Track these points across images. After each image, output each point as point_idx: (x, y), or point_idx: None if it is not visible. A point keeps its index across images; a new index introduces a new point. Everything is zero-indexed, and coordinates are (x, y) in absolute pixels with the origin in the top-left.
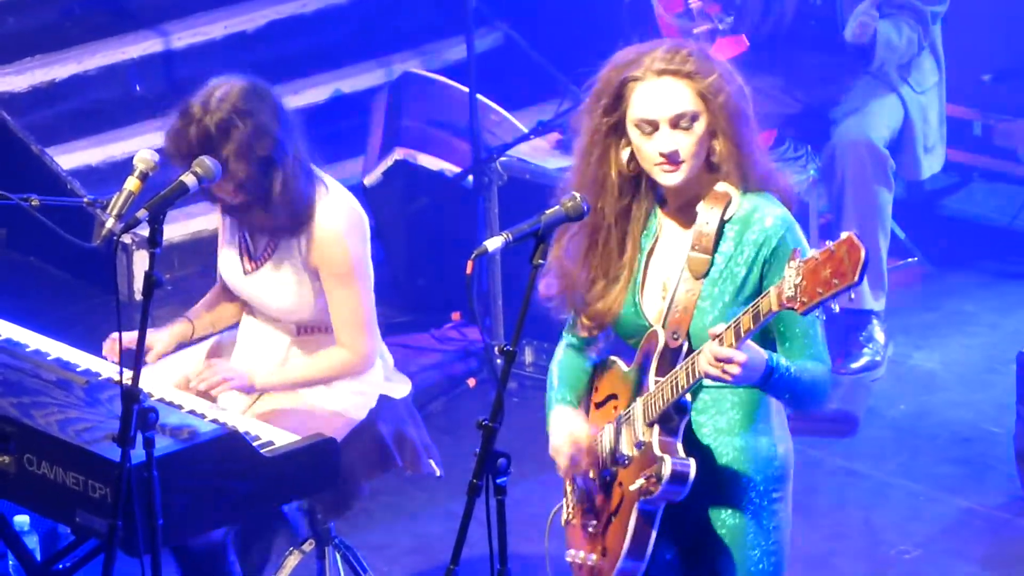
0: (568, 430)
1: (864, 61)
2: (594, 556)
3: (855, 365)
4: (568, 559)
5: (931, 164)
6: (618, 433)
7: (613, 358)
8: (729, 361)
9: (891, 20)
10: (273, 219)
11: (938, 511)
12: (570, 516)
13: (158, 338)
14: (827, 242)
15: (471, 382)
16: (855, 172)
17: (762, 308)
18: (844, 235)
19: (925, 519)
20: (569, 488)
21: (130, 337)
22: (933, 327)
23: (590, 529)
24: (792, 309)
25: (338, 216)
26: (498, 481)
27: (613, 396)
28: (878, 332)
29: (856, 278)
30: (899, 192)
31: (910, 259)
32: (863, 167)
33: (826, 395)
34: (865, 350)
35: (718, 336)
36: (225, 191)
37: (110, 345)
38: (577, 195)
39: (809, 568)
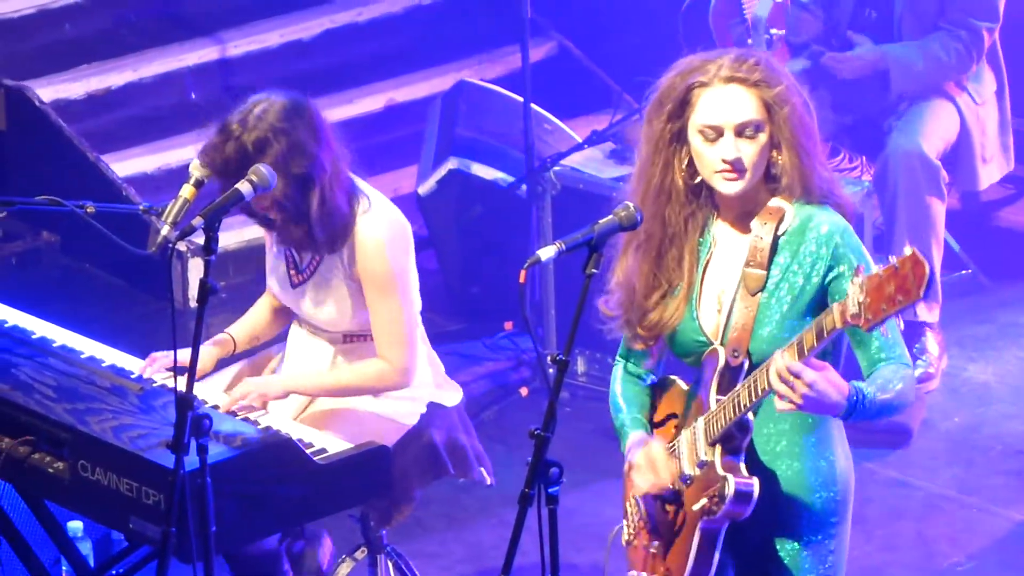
0: (646, 451)
1: (886, 88)
2: None
3: None
4: None
5: (990, 174)
6: (679, 453)
7: (672, 377)
8: (798, 376)
9: (936, 37)
10: (312, 235)
11: (991, 524)
12: (631, 536)
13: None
14: (891, 258)
15: (523, 391)
16: (907, 183)
17: (826, 325)
18: (908, 251)
19: (978, 532)
20: (630, 508)
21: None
22: (987, 339)
23: (652, 550)
24: (857, 327)
25: (379, 228)
26: (550, 490)
27: (673, 415)
28: (932, 344)
29: (920, 294)
30: (953, 203)
31: (964, 271)
32: (915, 178)
33: (912, 397)
34: (919, 362)
35: (781, 352)
36: (264, 206)
37: (150, 363)
38: (631, 205)
39: None
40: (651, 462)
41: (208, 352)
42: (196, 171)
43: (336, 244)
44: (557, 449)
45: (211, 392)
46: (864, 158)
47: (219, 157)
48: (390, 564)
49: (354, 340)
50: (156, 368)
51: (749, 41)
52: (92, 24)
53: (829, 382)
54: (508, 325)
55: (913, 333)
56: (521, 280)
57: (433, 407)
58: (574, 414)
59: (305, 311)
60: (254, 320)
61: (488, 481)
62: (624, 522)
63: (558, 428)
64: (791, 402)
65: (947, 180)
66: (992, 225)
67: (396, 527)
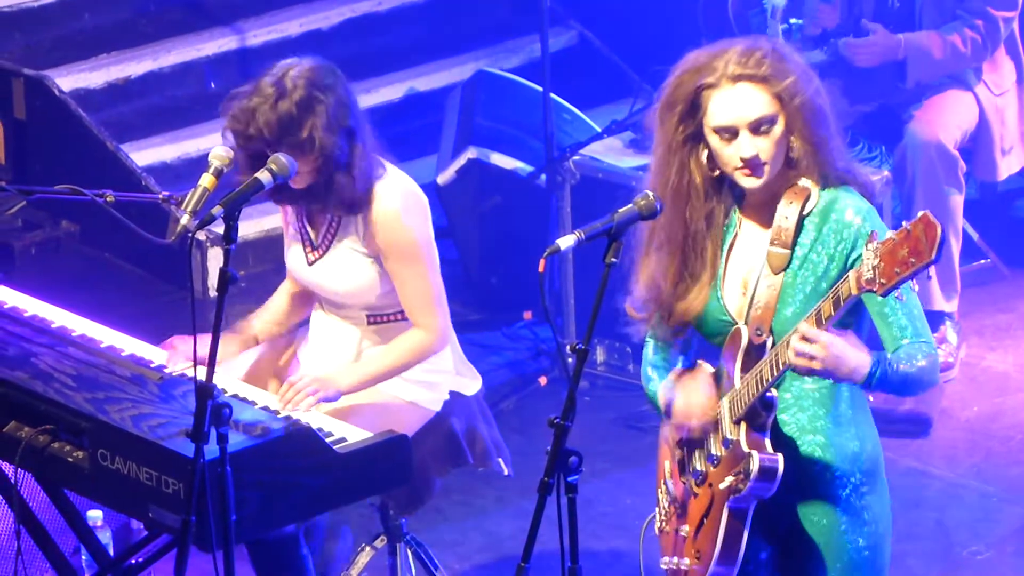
0: (682, 390)
1: (902, 77)
2: (687, 560)
3: None
4: (663, 566)
5: (1009, 165)
6: (707, 433)
7: (700, 362)
8: (814, 341)
9: (954, 26)
10: (344, 193)
11: (1011, 513)
12: (663, 524)
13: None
14: (904, 223)
15: (542, 380)
16: (925, 173)
17: (842, 293)
18: (920, 214)
19: (997, 521)
20: (661, 495)
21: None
22: (1006, 329)
23: (682, 533)
24: (872, 291)
25: (394, 197)
26: (569, 479)
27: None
28: (951, 334)
29: (933, 255)
30: (972, 193)
31: (983, 260)
32: (933, 168)
33: (936, 377)
34: (938, 351)
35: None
36: (303, 170)
37: (171, 352)
38: (651, 194)
39: None
40: (688, 397)
41: (231, 342)
42: (216, 160)
43: (359, 205)
44: (576, 438)
45: (232, 380)
46: (883, 148)
47: (255, 122)
48: (409, 552)
49: (379, 321)
50: (177, 359)
51: (769, 31)
52: (112, 14)
53: (848, 345)
54: (527, 314)
55: (932, 323)
56: (540, 269)
57: (454, 396)
58: (593, 403)
59: (324, 288)
60: (274, 310)
61: (506, 472)
62: (656, 510)
63: (577, 417)
64: (810, 367)
65: (965, 170)
66: (1011, 215)
67: (415, 516)
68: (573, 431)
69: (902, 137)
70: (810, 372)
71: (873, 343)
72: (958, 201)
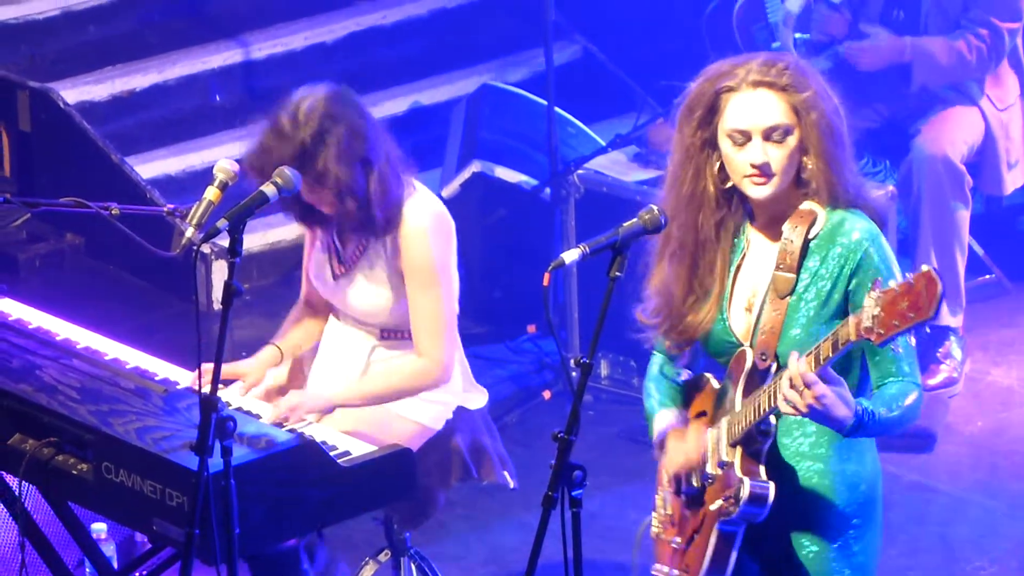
0: (672, 428)
1: (907, 81)
2: (677, 572)
3: (932, 381)
4: (654, 572)
5: (1015, 180)
6: (705, 451)
7: (707, 375)
8: (808, 386)
9: (960, 34)
10: (366, 220)
11: (1015, 528)
12: (660, 530)
13: (250, 370)
14: (907, 274)
15: (546, 394)
16: (931, 187)
17: (840, 337)
18: (924, 268)
19: (1002, 536)
20: (659, 501)
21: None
22: (1011, 344)
23: (674, 545)
24: (869, 340)
25: (423, 217)
26: (573, 493)
27: (703, 413)
28: (955, 348)
29: (931, 313)
30: (977, 208)
31: (988, 275)
32: (939, 183)
33: (917, 415)
34: (942, 366)
35: (799, 359)
36: (326, 201)
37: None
38: (655, 207)
39: None
40: (680, 441)
41: (258, 360)
42: (220, 173)
43: (391, 225)
44: (580, 452)
45: (237, 394)
46: (888, 162)
47: (272, 159)
48: (413, 566)
49: (391, 337)
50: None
51: (774, 45)
52: (116, 26)
53: (839, 398)
54: (531, 328)
55: (937, 337)
56: (545, 283)
57: (458, 410)
58: (597, 417)
59: (344, 303)
60: (294, 327)
61: (511, 485)
62: (653, 514)
63: (581, 431)
64: (795, 409)
65: (971, 185)
66: (1016, 230)
67: (419, 530)
68: (577, 445)
69: (907, 152)
70: (794, 415)
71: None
72: (964, 216)
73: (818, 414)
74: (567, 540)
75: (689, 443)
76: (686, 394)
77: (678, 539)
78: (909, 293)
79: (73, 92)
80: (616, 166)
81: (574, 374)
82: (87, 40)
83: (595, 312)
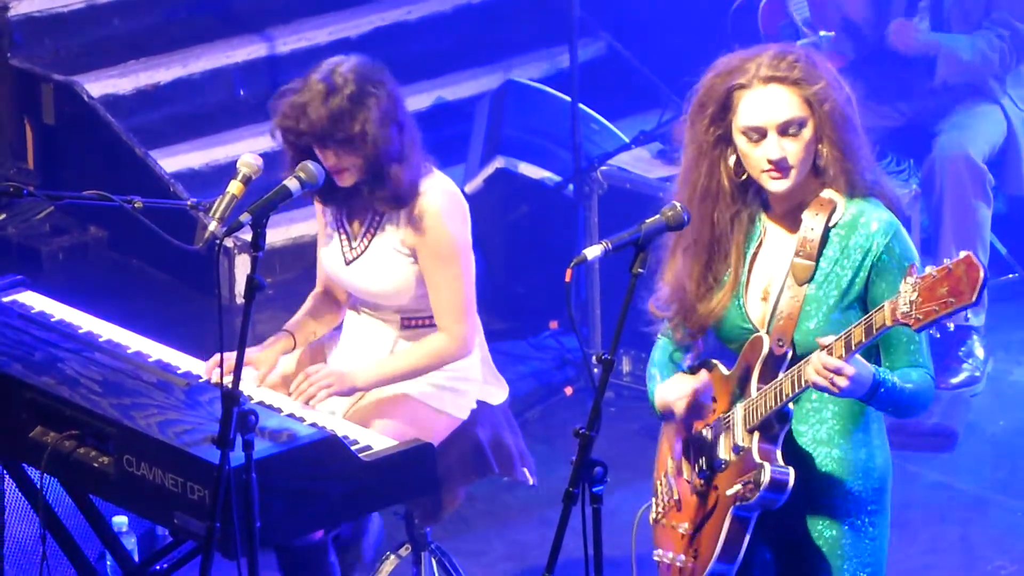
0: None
1: (931, 75)
2: (684, 557)
3: (955, 380)
4: (656, 558)
5: None
6: (716, 436)
7: (714, 361)
8: (839, 372)
9: (982, 34)
10: (392, 186)
11: None
12: (659, 515)
13: (262, 359)
14: (945, 260)
15: (568, 391)
16: (953, 186)
17: (875, 322)
18: (963, 254)
19: (1022, 535)
20: (660, 486)
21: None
22: None
23: (681, 531)
24: (907, 325)
25: (439, 195)
26: (594, 490)
27: (712, 399)
28: (978, 348)
29: (974, 298)
30: (1000, 207)
31: (1011, 275)
32: (961, 181)
33: (928, 403)
34: (965, 365)
35: (827, 347)
36: (351, 166)
37: (212, 367)
38: (678, 204)
39: None
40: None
41: (272, 351)
42: (244, 167)
43: (407, 199)
44: (601, 448)
45: (258, 387)
46: (911, 161)
47: (306, 118)
48: (434, 561)
49: (414, 325)
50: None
51: (798, 43)
52: (141, 19)
53: (860, 371)
54: (553, 324)
55: (959, 336)
56: (567, 279)
57: (480, 405)
58: (619, 414)
59: (360, 287)
60: (309, 315)
61: (531, 482)
62: (653, 500)
63: (603, 428)
64: (831, 386)
65: (993, 184)
66: None
67: (440, 525)
68: (598, 441)
69: (930, 151)
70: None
71: None
72: (986, 215)
73: (847, 392)
74: (587, 536)
75: (688, 383)
76: None
77: (686, 525)
78: (948, 278)
79: (97, 85)
80: (640, 163)
81: (596, 370)
82: (112, 33)
83: (617, 308)
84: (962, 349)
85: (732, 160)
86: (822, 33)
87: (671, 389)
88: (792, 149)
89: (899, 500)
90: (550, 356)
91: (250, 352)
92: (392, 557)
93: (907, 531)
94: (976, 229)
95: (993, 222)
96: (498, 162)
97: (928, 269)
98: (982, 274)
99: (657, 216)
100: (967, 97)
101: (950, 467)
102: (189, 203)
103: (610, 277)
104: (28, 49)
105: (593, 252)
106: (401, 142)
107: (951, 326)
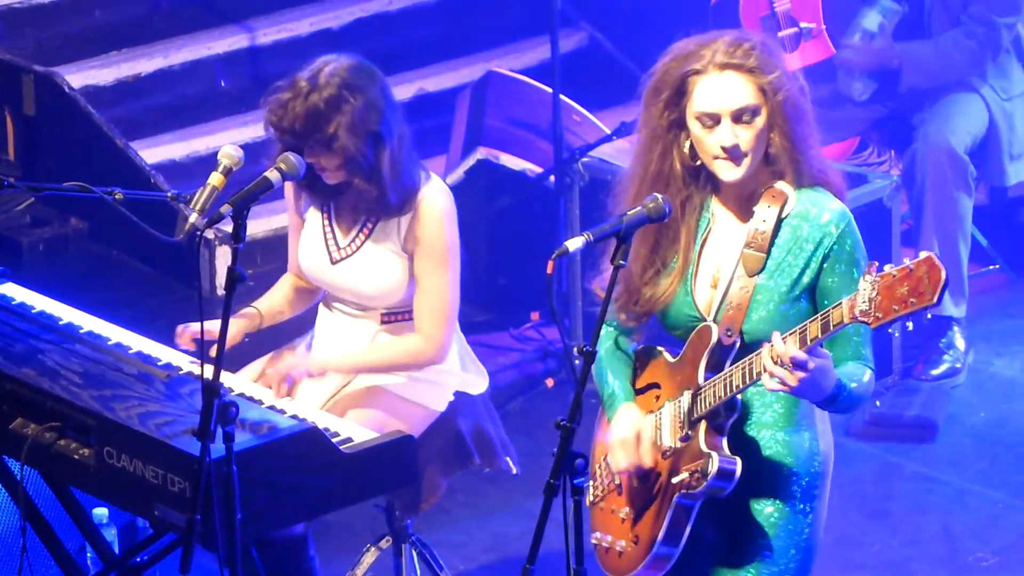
0: (634, 429)
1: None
2: (623, 542)
3: (935, 372)
4: (593, 541)
5: (1018, 171)
6: (659, 424)
7: (659, 348)
8: (801, 367)
9: (949, 35)
10: (383, 197)
11: (1017, 519)
12: (597, 499)
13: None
14: (906, 260)
15: (549, 382)
16: (935, 178)
17: (833, 318)
18: (924, 255)
19: (1004, 526)
20: (600, 470)
21: (207, 327)
22: (1014, 334)
23: (621, 515)
24: (864, 323)
25: (442, 200)
26: (575, 481)
27: (655, 385)
28: (958, 339)
29: (935, 299)
30: (981, 199)
31: (991, 266)
32: (943, 173)
33: (870, 395)
34: (945, 357)
35: (784, 338)
36: (330, 167)
37: (181, 332)
38: (659, 196)
39: (887, 573)
40: (637, 442)
41: (236, 324)
42: (224, 159)
43: (404, 207)
44: (583, 440)
45: (239, 379)
46: (892, 152)
47: (287, 115)
48: (415, 553)
49: (393, 320)
50: (185, 340)
51: (779, 35)
52: (122, 10)
53: (825, 372)
54: (535, 316)
55: (940, 328)
56: (548, 271)
57: (459, 396)
58: (599, 405)
59: (346, 288)
60: (278, 297)
61: (514, 471)
62: (591, 483)
63: (584, 419)
64: (784, 385)
65: (975, 175)
66: (1020, 220)
67: (421, 516)
68: (579, 433)
69: (911, 142)
70: (782, 391)
71: None
72: (967, 206)
73: (803, 389)
74: (568, 528)
75: (644, 452)
76: (637, 363)
77: (627, 509)
78: (909, 278)
79: (78, 76)
80: (621, 154)
81: (577, 362)
82: (93, 24)
83: (598, 300)
84: (943, 340)
85: (687, 146)
86: (803, 25)
87: (623, 430)
88: (745, 136)
89: (880, 491)
90: (531, 348)
91: (213, 323)
92: (373, 549)
93: (888, 522)
94: (957, 220)
95: (976, 214)
96: (479, 153)
97: (888, 268)
98: (943, 275)
99: (639, 208)
100: (948, 89)
101: (931, 458)
102: (170, 194)
103: (591, 269)
104: (9, 40)
105: (575, 244)
106: (376, 156)
107: (910, 326)
